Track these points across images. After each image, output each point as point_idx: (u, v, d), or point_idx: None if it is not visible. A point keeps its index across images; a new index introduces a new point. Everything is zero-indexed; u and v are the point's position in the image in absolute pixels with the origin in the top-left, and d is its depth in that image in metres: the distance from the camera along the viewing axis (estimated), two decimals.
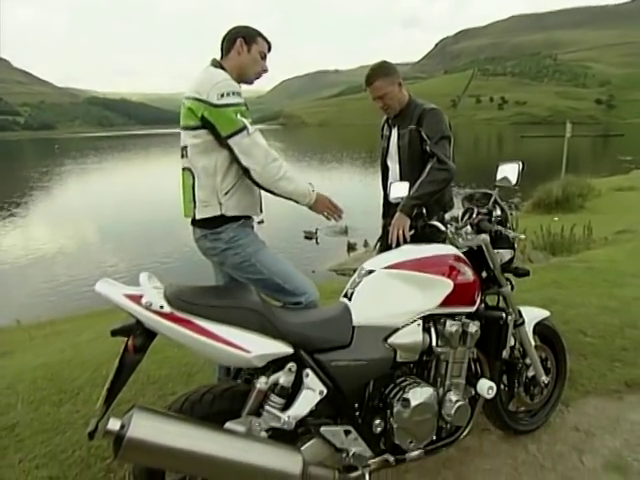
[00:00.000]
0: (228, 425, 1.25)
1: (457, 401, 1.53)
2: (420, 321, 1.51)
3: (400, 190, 2.07)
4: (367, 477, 1.43)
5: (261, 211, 1.90)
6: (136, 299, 1.22)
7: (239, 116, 1.62)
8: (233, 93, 1.63)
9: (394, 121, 2.37)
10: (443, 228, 1.80)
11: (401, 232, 1.97)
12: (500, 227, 1.66)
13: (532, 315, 1.92)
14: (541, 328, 1.97)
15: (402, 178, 2.28)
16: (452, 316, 1.56)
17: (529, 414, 2.03)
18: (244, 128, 1.62)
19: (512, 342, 1.80)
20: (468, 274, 1.59)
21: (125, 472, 1.75)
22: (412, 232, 2.00)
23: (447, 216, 2.15)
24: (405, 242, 1.94)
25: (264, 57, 1.83)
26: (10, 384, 2.59)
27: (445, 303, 1.52)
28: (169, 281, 1.35)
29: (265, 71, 1.86)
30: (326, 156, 39.28)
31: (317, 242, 11.92)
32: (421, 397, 1.47)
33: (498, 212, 1.72)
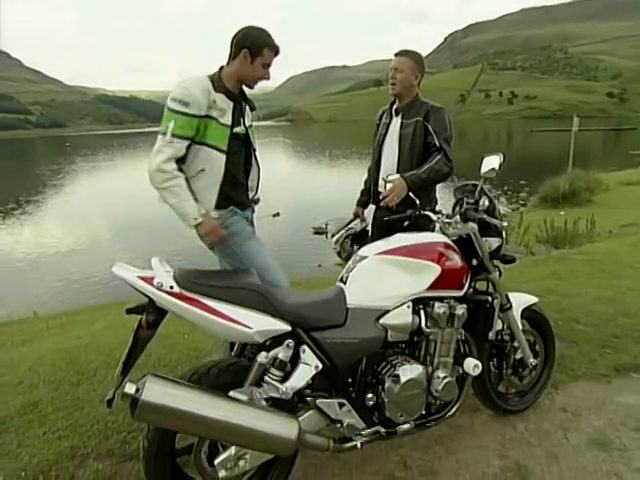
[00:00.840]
0: (232, 393, 1.38)
1: (444, 377, 1.64)
2: (410, 303, 1.62)
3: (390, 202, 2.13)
4: (359, 445, 1.56)
5: (220, 206, 1.92)
6: (149, 280, 1.36)
7: (166, 121, 1.77)
8: (176, 100, 1.76)
9: (398, 110, 2.42)
10: (435, 218, 1.90)
11: (397, 199, 2.07)
12: (486, 216, 1.76)
13: (520, 300, 2.02)
14: (530, 313, 2.07)
15: (400, 165, 2.34)
16: (441, 299, 1.67)
17: (518, 395, 2.13)
18: (163, 133, 1.77)
19: (500, 326, 1.91)
20: (456, 260, 1.70)
21: (139, 443, 1.90)
22: (407, 223, 2.10)
23: (438, 207, 2.26)
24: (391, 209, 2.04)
25: (268, 66, 1.90)
26: (32, 367, 2.76)
27: (433, 287, 1.63)
28: None
29: (267, 79, 1.94)
30: (335, 152, 39.29)
31: (326, 237, 12.06)
32: (411, 374, 1.59)
33: (486, 202, 1.81)
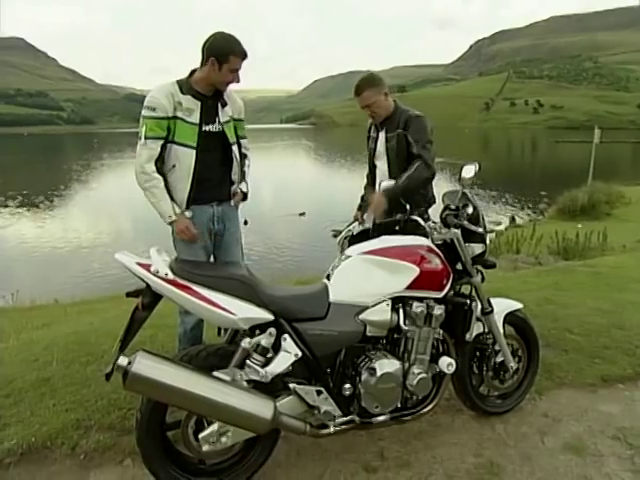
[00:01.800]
0: (215, 373, 1.52)
1: (419, 374, 1.73)
2: (389, 301, 1.72)
3: (389, 186, 2.26)
4: (332, 430, 1.67)
5: (190, 205, 2.12)
6: (146, 267, 1.51)
7: (141, 127, 2.00)
8: (146, 107, 2.00)
9: (382, 125, 2.58)
10: (422, 222, 1.99)
11: (378, 212, 2.21)
12: (466, 222, 1.84)
13: (504, 305, 2.09)
14: (514, 319, 2.13)
15: (391, 176, 2.48)
16: (420, 299, 1.77)
17: (500, 398, 2.20)
18: (140, 138, 2.00)
19: (481, 329, 1.99)
20: (436, 263, 1.79)
21: None
22: (397, 227, 2.20)
23: (430, 211, 2.36)
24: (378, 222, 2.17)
25: (236, 70, 2.04)
26: (47, 347, 2.97)
27: (412, 287, 1.73)
28: None
29: (237, 82, 2.08)
30: (357, 156, 39.43)
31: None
32: (387, 368, 1.69)
33: (469, 209, 1.89)
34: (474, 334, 1.96)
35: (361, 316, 1.69)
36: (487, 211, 16.87)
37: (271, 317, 1.58)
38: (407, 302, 1.75)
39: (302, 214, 15.13)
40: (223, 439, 1.57)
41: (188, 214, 2.10)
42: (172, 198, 2.10)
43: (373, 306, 1.70)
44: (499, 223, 14.45)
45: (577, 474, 1.80)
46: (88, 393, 2.31)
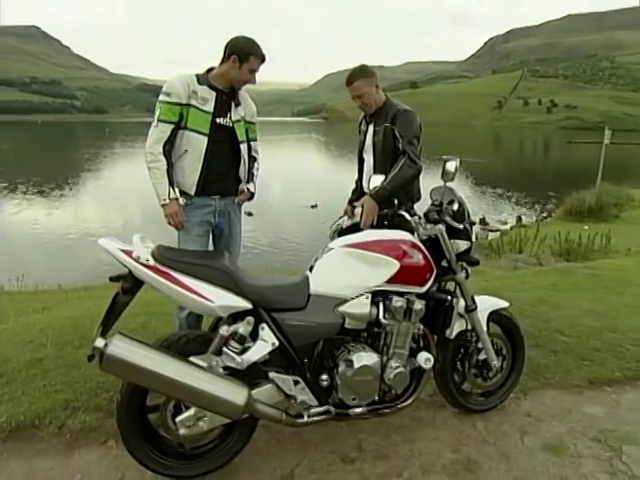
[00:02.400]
0: (192, 359, 1.54)
1: (397, 368, 1.74)
2: (369, 295, 1.73)
3: (378, 181, 2.26)
4: (305, 419, 1.68)
5: (199, 192, 2.19)
6: (128, 253, 1.54)
7: (157, 109, 2.11)
8: (162, 93, 2.10)
9: (371, 118, 2.57)
10: (409, 218, 1.99)
11: (372, 217, 2.19)
12: (448, 219, 1.83)
13: (489, 304, 2.08)
14: (499, 317, 2.12)
15: (376, 170, 2.47)
16: (401, 294, 1.77)
17: (483, 395, 2.19)
18: (154, 119, 2.11)
19: (463, 326, 1.98)
20: (418, 258, 1.78)
21: None
22: (386, 222, 2.20)
23: (416, 206, 2.35)
24: (375, 225, 2.17)
25: (254, 71, 2.15)
26: (43, 329, 3.04)
27: (391, 281, 1.73)
28: None
29: (252, 83, 2.19)
30: None
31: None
32: (364, 360, 1.70)
33: (455, 206, 1.88)
34: (457, 331, 1.97)
35: (340, 308, 1.70)
36: (495, 210, 16.78)
37: (249, 306, 1.59)
38: (387, 296, 1.75)
39: (314, 206, 15.38)
40: (200, 423, 1.59)
41: (182, 201, 2.16)
42: (181, 182, 2.17)
43: (353, 299, 1.70)
44: (505, 222, 14.35)
45: (554, 474, 1.80)
46: (78, 375, 2.36)
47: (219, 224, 2.30)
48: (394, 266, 1.72)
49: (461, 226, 1.84)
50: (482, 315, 2.02)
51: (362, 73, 2.45)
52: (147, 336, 2.83)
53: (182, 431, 1.58)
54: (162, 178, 2.08)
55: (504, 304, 2.12)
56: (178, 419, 1.58)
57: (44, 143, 54.38)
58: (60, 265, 10.34)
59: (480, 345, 2.05)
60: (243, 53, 2.08)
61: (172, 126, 2.09)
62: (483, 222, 14.51)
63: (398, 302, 1.72)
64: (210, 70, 2.18)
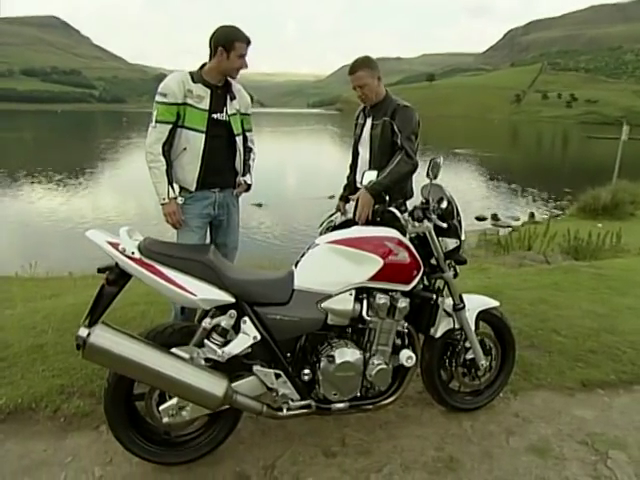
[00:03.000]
0: (174, 350, 1.58)
1: (379, 364, 1.75)
2: (353, 291, 1.73)
3: (371, 177, 2.24)
4: (284, 412, 1.71)
5: (199, 187, 2.24)
6: (115, 245, 1.57)
7: (154, 110, 2.16)
8: (158, 94, 2.15)
9: (370, 111, 2.54)
10: (399, 215, 1.97)
11: (367, 211, 2.19)
12: (434, 217, 1.81)
13: (478, 303, 2.06)
14: (489, 317, 2.11)
15: (372, 164, 2.45)
16: (385, 291, 1.76)
17: (471, 394, 2.18)
18: (152, 120, 2.15)
19: (451, 325, 1.97)
20: (403, 256, 1.77)
21: None
22: (379, 219, 2.19)
23: (408, 203, 2.33)
24: (370, 220, 2.16)
25: (243, 56, 2.18)
26: (46, 316, 3.13)
27: (375, 278, 1.72)
28: None
29: (245, 67, 2.20)
30: None
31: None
32: (346, 356, 1.71)
33: (444, 204, 1.86)
34: (444, 330, 1.96)
35: (323, 304, 1.70)
36: (508, 205, 16.51)
37: (231, 299, 1.61)
38: (372, 293, 1.75)
39: (332, 197, 15.30)
40: (183, 413, 1.63)
41: (180, 200, 2.23)
42: (182, 179, 2.24)
43: (336, 295, 1.71)
44: (517, 218, 14.12)
45: (536, 475, 1.79)
46: (75, 361, 2.42)
47: (218, 216, 2.36)
48: (378, 263, 1.72)
49: (445, 224, 1.82)
50: (470, 314, 2.01)
51: (366, 63, 2.43)
52: (145, 325, 2.89)
53: (165, 419, 1.63)
54: (161, 177, 2.15)
55: (494, 303, 2.10)
56: (161, 407, 1.62)
57: (63, 132, 55.34)
58: (73, 253, 10.54)
59: (468, 344, 2.03)
60: (227, 42, 2.11)
61: (170, 126, 2.14)
62: (495, 218, 14.30)
63: (381, 299, 1.72)
64: (203, 67, 2.22)
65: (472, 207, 15.42)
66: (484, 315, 2.08)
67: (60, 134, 50.37)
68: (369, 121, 2.53)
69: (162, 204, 2.19)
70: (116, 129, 56.57)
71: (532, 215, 13.96)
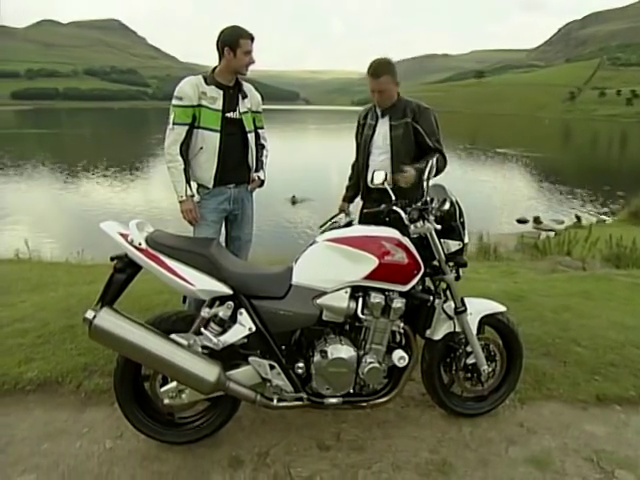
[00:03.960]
0: (172, 336, 1.68)
1: (371, 363, 1.76)
2: (349, 289, 1.75)
3: (381, 176, 2.21)
4: (275, 402, 1.76)
5: (216, 184, 2.36)
6: (125, 237, 1.69)
7: (171, 113, 2.28)
8: (174, 97, 2.29)
9: (384, 112, 2.50)
10: (404, 215, 1.96)
11: (409, 183, 2.23)
12: (431, 218, 1.79)
13: (482, 307, 2.01)
14: (495, 322, 2.06)
15: (394, 165, 2.41)
16: (382, 291, 1.77)
17: (475, 400, 2.14)
18: (169, 122, 2.28)
19: (451, 328, 1.95)
20: (400, 257, 1.77)
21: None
22: (387, 219, 2.18)
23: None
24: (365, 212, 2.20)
25: (249, 52, 2.27)
26: (80, 299, 3.40)
27: (370, 277, 1.74)
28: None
29: (253, 63, 2.31)
30: None
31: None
32: (340, 353, 1.74)
33: (446, 205, 1.84)
34: (444, 332, 1.94)
35: (318, 300, 1.74)
36: (555, 208, 15.70)
37: (229, 291, 1.69)
38: (367, 292, 1.77)
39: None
40: (183, 395, 1.75)
41: (196, 198, 2.38)
42: (200, 177, 2.37)
43: (332, 292, 1.74)
44: (561, 222, 13.42)
45: None
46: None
47: (233, 210, 2.48)
48: (373, 263, 1.73)
49: (439, 226, 1.80)
50: (473, 318, 1.97)
51: (390, 68, 2.41)
52: (152, 309, 3.05)
53: (166, 401, 1.74)
54: (179, 177, 2.28)
55: (500, 308, 2.05)
56: (162, 390, 1.73)
57: (118, 128, 58.78)
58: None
59: (469, 348, 2.00)
60: (232, 41, 2.22)
61: (187, 127, 2.27)
62: (537, 221, 13.67)
63: (376, 298, 1.74)
64: (214, 70, 2.34)
65: (516, 209, 14.82)
66: (489, 320, 2.04)
67: (116, 131, 53.45)
68: (385, 121, 2.49)
69: (180, 202, 2.33)
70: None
71: (578, 219, 13.21)
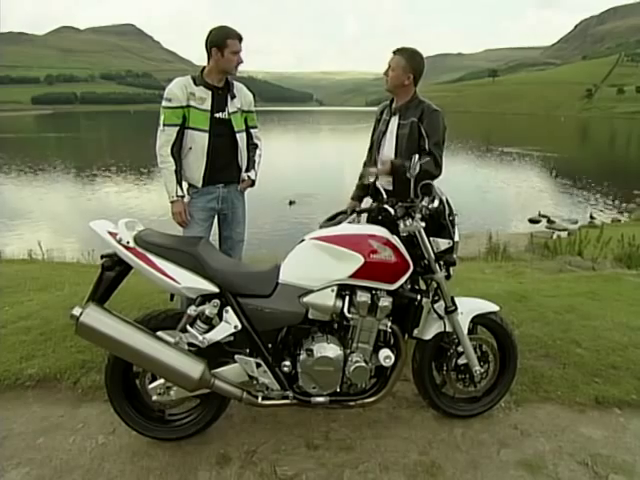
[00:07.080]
0: (159, 333, 1.70)
1: (357, 362, 1.75)
2: (335, 288, 1.74)
3: (371, 175, 2.19)
4: (260, 400, 1.76)
5: (205, 183, 2.38)
6: (114, 235, 1.71)
7: (161, 115, 2.30)
8: (164, 99, 2.30)
9: (397, 108, 2.46)
10: (393, 213, 1.94)
11: (381, 173, 2.23)
12: (418, 216, 1.76)
13: (474, 306, 1.98)
14: (489, 322, 2.02)
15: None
16: (369, 289, 1.76)
17: (467, 401, 2.10)
18: (160, 124, 2.29)
19: (442, 328, 1.92)
20: (387, 255, 1.75)
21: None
22: (379, 218, 2.16)
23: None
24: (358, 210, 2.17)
25: (237, 52, 2.29)
26: (83, 298, 3.31)
27: (356, 275, 1.72)
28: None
29: (241, 62, 2.33)
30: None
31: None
32: (326, 351, 1.73)
33: (435, 203, 1.81)
34: (434, 332, 1.91)
35: (305, 299, 1.74)
36: (570, 208, 15.38)
37: (215, 289, 1.70)
38: (354, 290, 1.76)
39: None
40: (171, 392, 1.76)
41: (187, 199, 2.40)
42: (189, 176, 2.39)
43: (318, 290, 1.74)
44: (575, 222, 13.16)
45: None
46: None
47: (222, 210, 2.49)
48: (359, 261, 1.72)
49: (423, 224, 1.77)
50: (464, 318, 1.94)
51: (408, 54, 2.37)
52: (147, 305, 3.09)
53: (154, 397, 1.76)
54: (170, 177, 2.32)
55: (493, 308, 2.01)
56: (151, 386, 1.75)
57: (134, 131, 59.91)
58: None
59: (461, 349, 1.97)
60: (219, 42, 2.23)
61: (177, 128, 2.30)
62: (549, 221, 13.43)
63: (362, 297, 1.72)
64: (203, 70, 2.35)
65: (530, 208, 14.57)
66: (483, 320, 2.00)
67: (132, 133, 54.51)
68: (395, 119, 2.46)
69: (171, 202, 2.36)
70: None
71: (592, 218, 12.94)
